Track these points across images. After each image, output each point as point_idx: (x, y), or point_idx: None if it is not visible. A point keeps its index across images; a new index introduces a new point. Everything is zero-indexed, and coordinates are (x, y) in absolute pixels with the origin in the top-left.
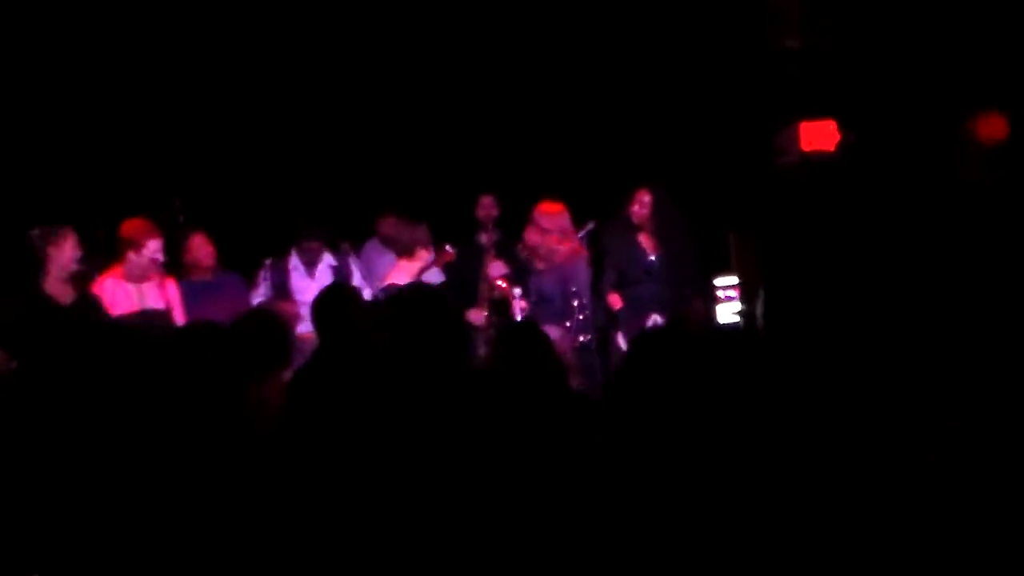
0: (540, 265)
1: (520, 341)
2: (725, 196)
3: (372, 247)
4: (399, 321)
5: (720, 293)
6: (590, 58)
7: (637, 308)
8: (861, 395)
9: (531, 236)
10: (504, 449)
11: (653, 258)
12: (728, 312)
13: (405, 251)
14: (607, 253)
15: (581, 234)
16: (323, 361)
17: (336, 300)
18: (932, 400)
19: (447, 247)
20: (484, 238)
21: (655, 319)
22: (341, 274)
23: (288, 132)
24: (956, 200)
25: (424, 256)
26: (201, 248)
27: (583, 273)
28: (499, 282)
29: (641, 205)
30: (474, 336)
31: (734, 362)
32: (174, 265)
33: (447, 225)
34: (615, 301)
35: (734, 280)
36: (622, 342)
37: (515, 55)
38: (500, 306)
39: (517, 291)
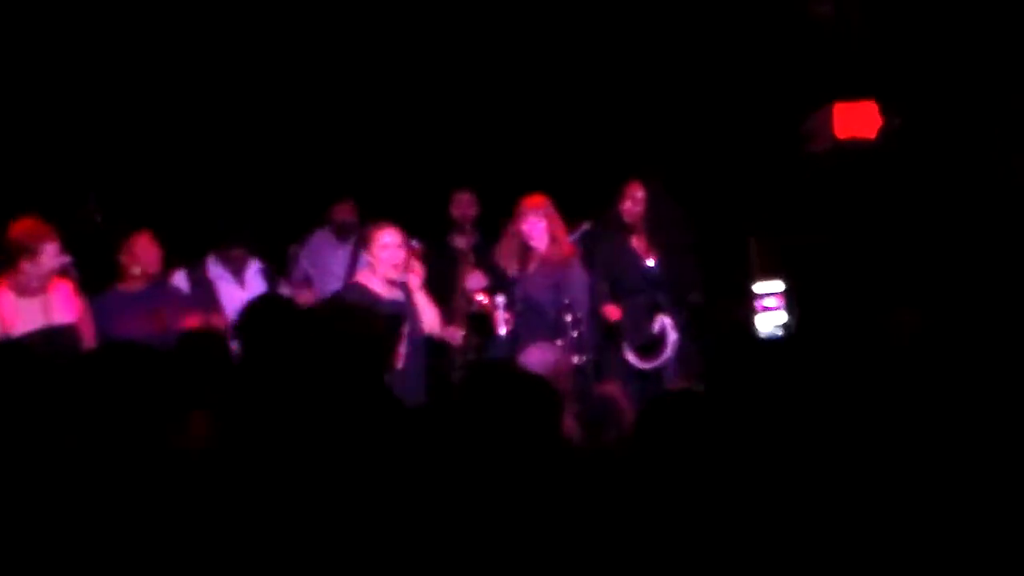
0: (526, 267)
1: (495, 390)
2: (743, 194)
3: (322, 239)
4: (323, 343)
5: (761, 302)
6: (582, 31)
7: (638, 318)
8: (914, 423)
9: (522, 226)
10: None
11: (651, 263)
12: (770, 324)
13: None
14: (596, 259)
15: (575, 236)
16: (252, 392)
17: (267, 314)
18: (996, 433)
19: (413, 242)
20: (460, 241)
21: (663, 322)
22: (274, 279)
23: (211, 112)
24: (1015, 197)
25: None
26: (147, 251)
27: (579, 281)
28: (479, 296)
29: (633, 202)
30: (451, 358)
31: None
32: (95, 272)
33: (414, 226)
34: (612, 312)
35: (777, 286)
36: (631, 357)
37: (494, 25)
38: (480, 323)
39: (500, 299)
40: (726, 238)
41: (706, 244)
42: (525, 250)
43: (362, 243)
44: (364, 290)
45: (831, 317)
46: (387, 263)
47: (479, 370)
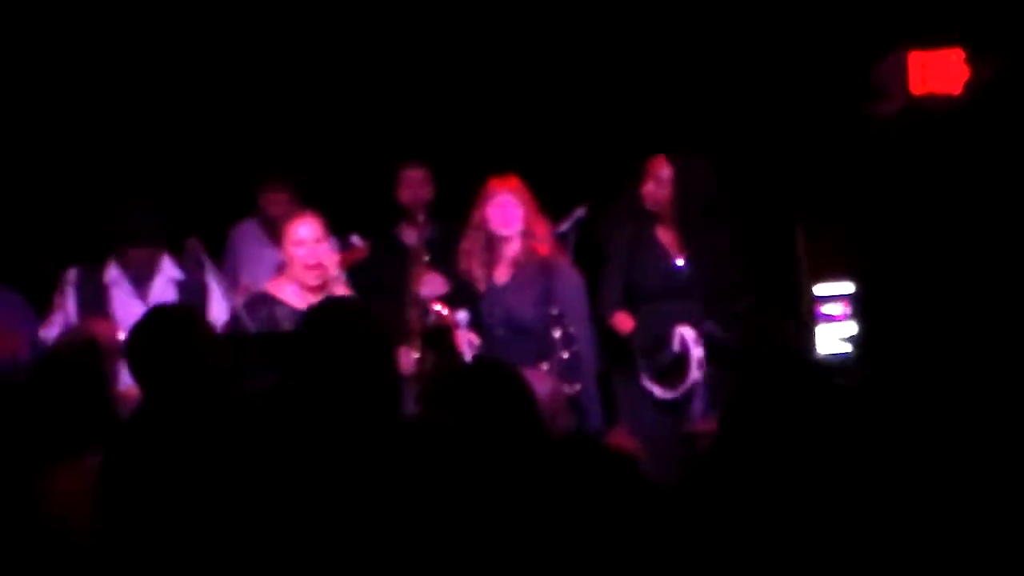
0: (495, 271)
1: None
2: (788, 169)
3: (247, 234)
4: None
5: (825, 308)
6: None
7: (657, 332)
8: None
9: (488, 212)
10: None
11: (680, 262)
12: (833, 338)
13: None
14: (608, 255)
15: (565, 226)
16: (147, 431)
17: (162, 335)
18: None
19: (353, 239)
20: (410, 235)
21: (682, 337)
22: (192, 291)
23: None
24: None
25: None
26: None
27: (570, 285)
28: (436, 306)
29: (658, 183)
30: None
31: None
32: None
33: (349, 214)
34: (623, 322)
35: (843, 288)
36: (647, 383)
37: None
38: (438, 340)
39: (462, 316)
40: (767, 226)
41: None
42: (492, 248)
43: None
44: (271, 302)
45: (912, 328)
46: (302, 264)
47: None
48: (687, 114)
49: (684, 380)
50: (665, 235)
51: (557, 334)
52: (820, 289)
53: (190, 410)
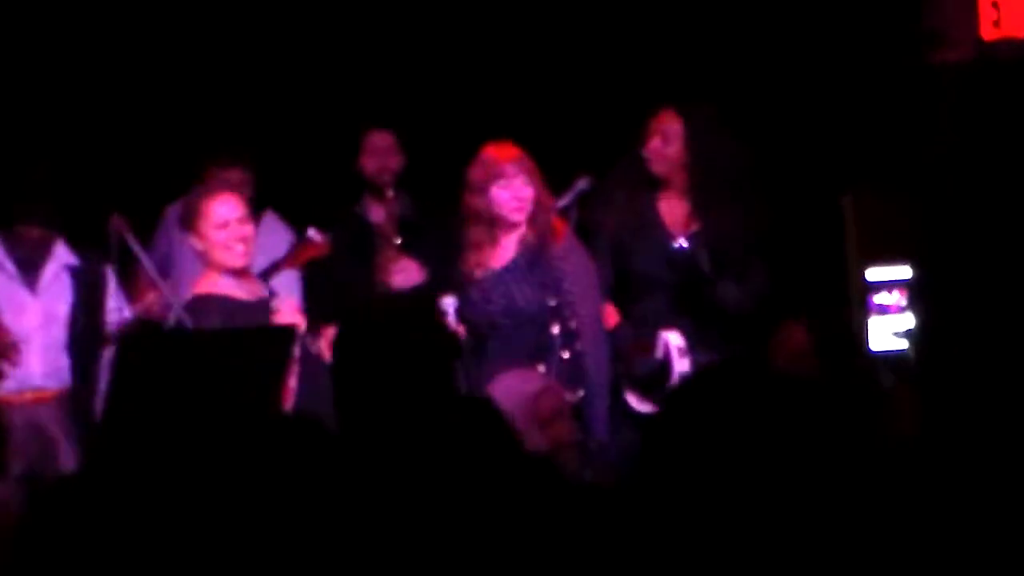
0: (501, 259)
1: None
2: (833, 131)
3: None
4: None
5: (877, 298)
6: None
7: (645, 331)
8: None
9: (494, 192)
10: None
11: (683, 242)
12: (887, 333)
13: None
14: (597, 231)
15: (563, 201)
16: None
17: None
18: None
19: (311, 233)
20: (376, 212)
21: (666, 343)
22: (88, 283)
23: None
24: None
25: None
26: None
27: (580, 272)
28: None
29: (665, 139)
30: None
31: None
32: None
33: (304, 188)
34: (606, 316)
35: (899, 273)
36: (626, 392)
37: None
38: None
39: (449, 303)
40: (806, 199)
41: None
42: (495, 233)
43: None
44: (217, 301)
45: (982, 324)
46: (224, 246)
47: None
48: (709, 63)
49: (663, 394)
50: (670, 209)
51: (556, 330)
52: (872, 274)
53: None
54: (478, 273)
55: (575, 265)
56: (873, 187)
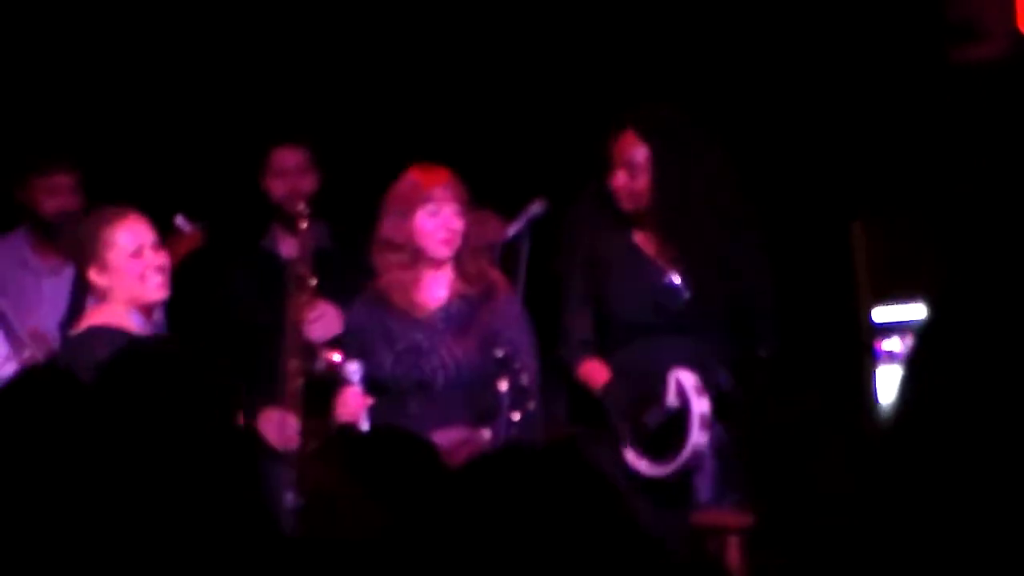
0: (427, 306)
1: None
2: (841, 142)
3: (14, 247)
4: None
5: (886, 344)
6: None
7: (643, 382)
8: None
9: (416, 222)
10: None
11: (676, 279)
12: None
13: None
14: (569, 271)
15: (512, 230)
16: None
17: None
18: None
19: (179, 221)
20: (286, 245)
21: (680, 384)
22: None
23: None
24: None
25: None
26: None
27: (514, 316)
28: (332, 354)
29: (631, 171)
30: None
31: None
32: None
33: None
34: (595, 372)
35: (913, 313)
36: (631, 456)
37: None
38: (325, 402)
39: (354, 368)
40: (808, 225)
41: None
42: (418, 269)
43: (75, 250)
44: (109, 335)
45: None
46: (140, 277)
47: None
48: (685, 64)
49: (682, 448)
50: (650, 243)
51: (504, 387)
52: (880, 315)
53: None
54: (396, 317)
55: (511, 308)
56: (889, 210)
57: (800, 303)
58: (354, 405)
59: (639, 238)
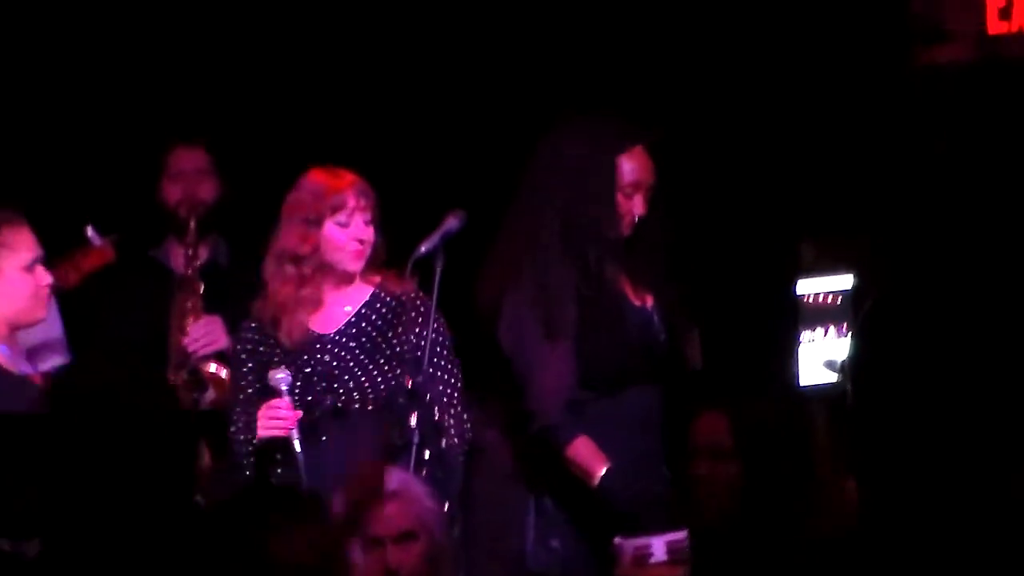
0: (329, 323)
1: None
2: (788, 153)
3: None
4: None
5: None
6: None
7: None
8: None
9: (327, 230)
10: None
11: (645, 304)
12: (817, 363)
13: None
14: (542, 307)
15: (425, 247)
16: None
17: None
18: None
19: (90, 233)
20: (176, 256)
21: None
22: None
23: None
24: None
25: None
26: None
27: (436, 342)
28: (210, 365)
29: (645, 191)
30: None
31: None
32: None
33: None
34: (592, 458)
35: (832, 285)
36: (658, 548)
37: None
38: (210, 424)
39: (283, 377)
40: (752, 243)
41: (714, 253)
42: (319, 283)
43: None
44: None
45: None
46: (35, 296)
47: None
48: (618, 61)
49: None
50: (619, 276)
51: (413, 420)
52: (804, 288)
53: None
54: (295, 337)
55: (435, 330)
56: (843, 227)
57: (742, 328)
58: (285, 416)
59: (611, 271)
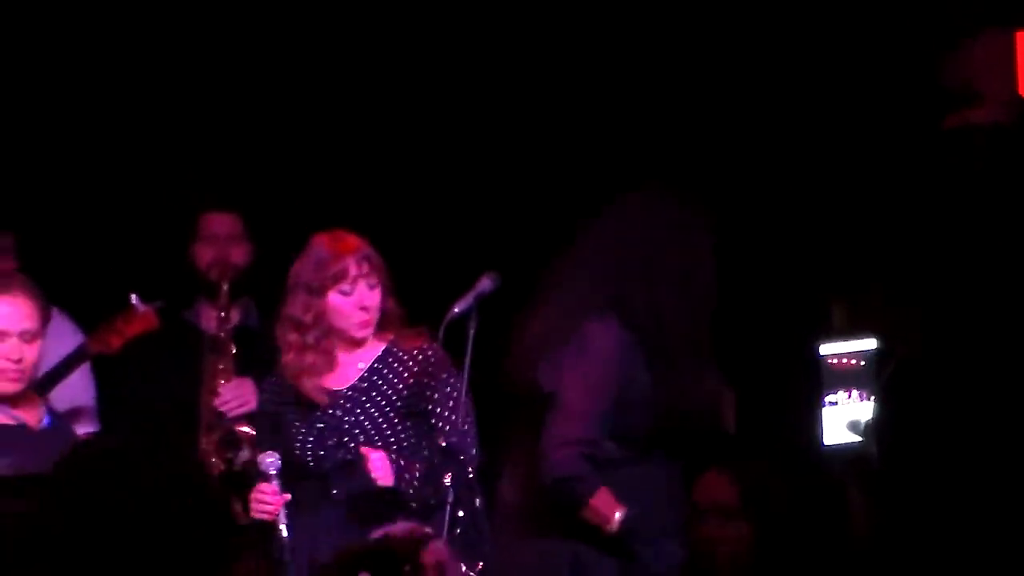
0: (342, 380)
1: None
2: (818, 219)
3: None
4: None
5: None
6: None
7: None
8: None
9: (331, 297)
10: None
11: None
12: (839, 424)
13: None
14: (597, 359)
15: (462, 306)
16: None
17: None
18: None
19: (134, 300)
20: (208, 317)
21: None
22: None
23: None
24: None
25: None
26: None
27: (464, 403)
28: (244, 427)
29: None
30: None
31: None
32: None
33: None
34: (608, 504)
35: (860, 347)
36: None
37: None
38: (240, 485)
39: (271, 462)
40: (778, 305)
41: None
42: (328, 349)
43: None
44: None
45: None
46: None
47: None
48: (645, 120)
49: None
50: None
51: (448, 479)
52: (827, 350)
53: None
54: (311, 398)
55: (455, 389)
56: (874, 289)
57: (761, 394)
58: (272, 502)
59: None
